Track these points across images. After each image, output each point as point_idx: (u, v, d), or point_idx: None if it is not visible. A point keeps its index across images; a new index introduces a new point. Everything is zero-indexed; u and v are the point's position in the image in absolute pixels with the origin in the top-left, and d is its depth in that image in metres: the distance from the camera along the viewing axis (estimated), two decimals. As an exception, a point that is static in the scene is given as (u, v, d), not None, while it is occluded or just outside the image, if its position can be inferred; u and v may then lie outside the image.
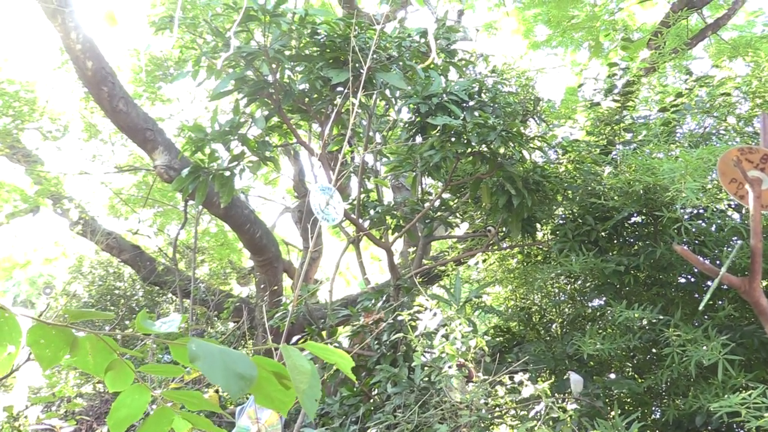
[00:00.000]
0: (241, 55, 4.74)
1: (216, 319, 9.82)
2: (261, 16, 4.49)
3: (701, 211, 4.61)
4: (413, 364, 4.36)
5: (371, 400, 4.96)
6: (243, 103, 5.12)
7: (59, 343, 1.00)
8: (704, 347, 3.64)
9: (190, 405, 1.12)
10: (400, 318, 4.78)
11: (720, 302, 4.21)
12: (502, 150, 4.90)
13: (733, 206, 4.55)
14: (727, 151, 2.81)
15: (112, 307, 10.37)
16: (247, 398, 4.52)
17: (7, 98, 9.62)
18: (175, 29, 4.60)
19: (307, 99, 5.17)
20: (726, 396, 3.35)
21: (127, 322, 9.91)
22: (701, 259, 3.70)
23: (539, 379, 4.84)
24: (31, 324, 1.05)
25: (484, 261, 6.60)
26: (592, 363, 4.91)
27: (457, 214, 6.37)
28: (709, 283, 4.45)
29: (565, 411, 3.70)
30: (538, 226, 5.57)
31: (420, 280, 6.09)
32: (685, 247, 2.96)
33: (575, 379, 4.11)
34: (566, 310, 5.65)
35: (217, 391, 6.64)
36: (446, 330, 4.26)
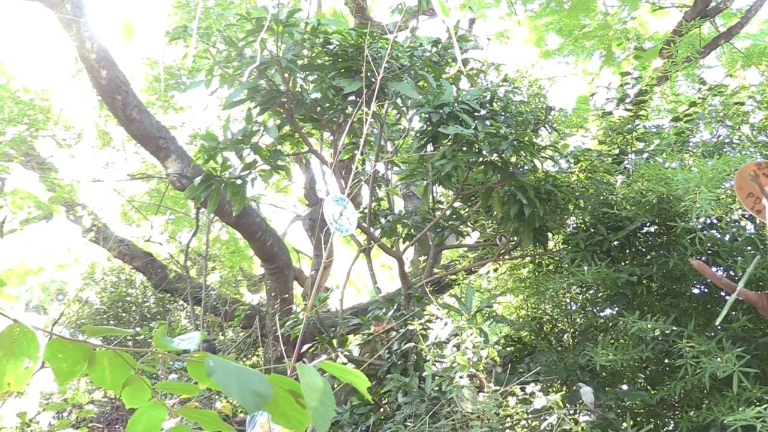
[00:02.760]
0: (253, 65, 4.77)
1: (226, 326, 9.84)
2: (274, 26, 4.52)
3: (715, 221, 4.59)
4: (424, 374, 4.35)
5: (381, 410, 4.95)
6: (255, 112, 5.14)
7: (76, 357, 1.01)
8: (718, 359, 3.61)
9: (206, 425, 1.12)
10: (410, 327, 4.77)
11: (734, 313, 4.17)
12: (513, 159, 4.89)
13: (746, 216, 4.52)
14: (744, 165, 2.80)
15: (123, 314, 10.42)
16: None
17: (22, 106, 9.72)
18: (193, 40, 4.64)
19: (319, 108, 5.19)
20: (741, 409, 3.31)
21: (138, 329, 9.95)
22: (716, 271, 3.67)
23: (551, 389, 4.82)
24: (43, 335, 1.06)
25: (495, 270, 6.58)
26: (604, 374, 4.88)
27: (469, 223, 6.35)
28: (723, 293, 4.42)
29: (577, 423, 3.67)
30: (550, 235, 5.55)
31: (431, 289, 6.07)
32: (701, 259, 2.94)
33: (586, 391, 4.09)
34: (578, 320, 5.62)
35: (229, 401, 6.64)
36: (457, 340, 4.24)
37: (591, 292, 5.41)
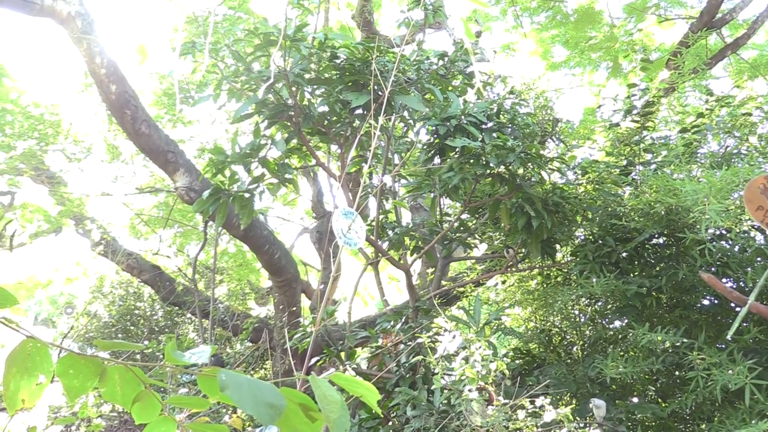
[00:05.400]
0: (261, 79, 4.80)
1: (234, 339, 9.83)
2: (281, 40, 4.55)
3: (724, 232, 4.56)
4: (433, 387, 4.33)
5: (390, 423, 4.92)
6: (263, 126, 5.17)
7: (88, 373, 1.02)
8: (730, 371, 3.58)
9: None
10: (419, 340, 4.75)
11: (745, 324, 4.14)
12: (521, 171, 4.89)
13: (755, 227, 4.50)
14: (753, 179, 2.79)
15: (132, 327, 10.44)
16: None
17: (32, 121, 9.81)
18: (206, 54, 4.68)
19: (326, 121, 5.21)
20: (753, 422, 3.28)
21: (146, 342, 9.96)
22: (726, 282, 3.65)
23: (560, 402, 4.78)
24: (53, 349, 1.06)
25: (503, 282, 6.56)
26: (614, 386, 4.85)
27: (476, 236, 6.35)
28: (733, 304, 4.39)
29: (587, 436, 3.65)
30: (558, 247, 5.54)
31: (439, 301, 6.06)
32: (711, 270, 2.93)
33: (598, 404, 4.06)
34: (587, 332, 5.59)
35: (239, 416, 6.62)
36: (466, 352, 4.23)
37: (600, 304, 5.38)
